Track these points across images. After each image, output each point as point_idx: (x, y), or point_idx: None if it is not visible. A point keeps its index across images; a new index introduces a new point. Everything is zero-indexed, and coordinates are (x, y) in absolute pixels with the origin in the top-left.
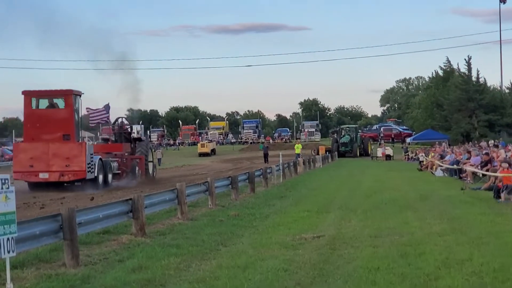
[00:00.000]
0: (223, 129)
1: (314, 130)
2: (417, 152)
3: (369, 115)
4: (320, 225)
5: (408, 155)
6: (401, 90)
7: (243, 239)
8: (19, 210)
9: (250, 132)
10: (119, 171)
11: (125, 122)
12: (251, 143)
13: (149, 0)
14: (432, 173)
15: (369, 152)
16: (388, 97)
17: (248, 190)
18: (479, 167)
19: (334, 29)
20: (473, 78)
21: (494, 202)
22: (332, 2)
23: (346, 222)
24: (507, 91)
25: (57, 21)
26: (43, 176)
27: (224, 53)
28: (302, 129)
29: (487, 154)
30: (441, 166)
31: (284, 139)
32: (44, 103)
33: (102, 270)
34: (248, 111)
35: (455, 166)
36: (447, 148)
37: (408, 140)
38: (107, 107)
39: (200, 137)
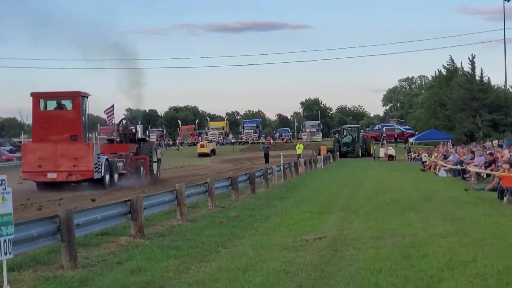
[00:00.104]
0: (223, 129)
1: (315, 130)
2: (420, 152)
3: (371, 115)
4: (321, 227)
5: (411, 155)
6: (403, 90)
7: (244, 241)
8: (16, 212)
9: (251, 132)
10: (125, 171)
11: (129, 122)
12: (251, 143)
13: None
14: (435, 173)
15: (371, 152)
16: (390, 96)
17: (248, 191)
18: (483, 167)
19: (336, 27)
20: (477, 77)
21: (498, 203)
22: (333, 0)
23: (348, 223)
24: (511, 90)
25: (55, 19)
26: (51, 176)
27: (224, 52)
28: (303, 129)
29: (491, 154)
30: (445, 166)
31: (285, 139)
32: (52, 105)
33: (100, 272)
34: (249, 110)
35: (458, 167)
36: (450, 148)
37: (411, 140)
38: (112, 108)
39: (199, 137)
